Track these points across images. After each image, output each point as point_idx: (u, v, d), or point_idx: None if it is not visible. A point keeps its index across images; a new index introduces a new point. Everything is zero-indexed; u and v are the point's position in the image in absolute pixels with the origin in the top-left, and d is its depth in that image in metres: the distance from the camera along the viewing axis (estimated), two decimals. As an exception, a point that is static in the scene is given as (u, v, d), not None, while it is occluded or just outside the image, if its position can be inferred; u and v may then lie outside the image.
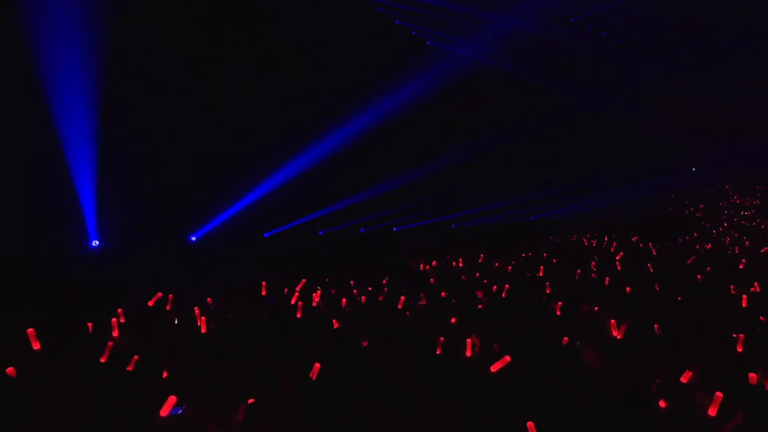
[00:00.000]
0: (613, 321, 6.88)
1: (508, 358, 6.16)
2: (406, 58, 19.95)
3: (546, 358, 6.62)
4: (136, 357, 5.92)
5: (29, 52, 13.78)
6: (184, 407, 4.95)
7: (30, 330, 5.65)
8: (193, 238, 18.25)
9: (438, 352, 6.74)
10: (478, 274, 12.40)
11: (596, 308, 8.03)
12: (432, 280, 12.40)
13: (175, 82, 17.02)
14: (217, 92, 18.14)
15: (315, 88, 19.60)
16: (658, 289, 9.68)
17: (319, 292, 10.08)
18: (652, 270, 11.47)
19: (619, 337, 6.81)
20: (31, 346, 5.65)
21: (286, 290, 10.26)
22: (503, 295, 9.44)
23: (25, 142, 15.14)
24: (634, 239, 16.93)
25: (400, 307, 8.72)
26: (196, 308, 8.15)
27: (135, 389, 5.52)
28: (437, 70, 20.28)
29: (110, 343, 5.85)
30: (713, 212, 21.38)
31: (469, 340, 6.76)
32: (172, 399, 4.84)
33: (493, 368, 6.19)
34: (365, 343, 7.42)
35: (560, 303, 8.69)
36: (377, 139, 20.27)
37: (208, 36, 17.14)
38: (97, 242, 16.16)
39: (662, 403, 4.80)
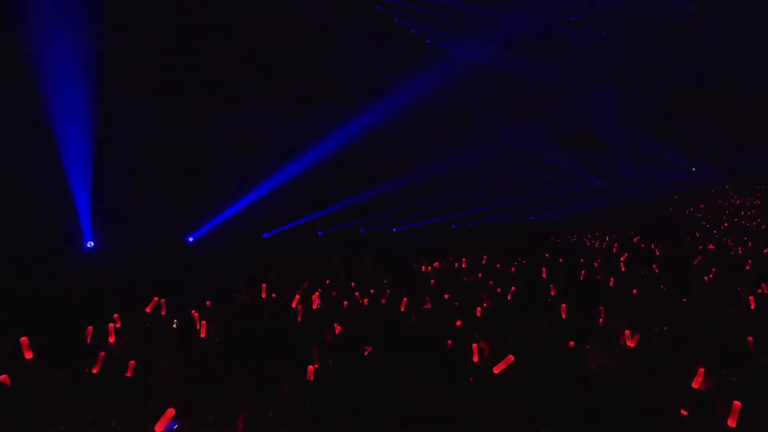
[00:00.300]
0: (627, 331, 6.72)
1: (511, 358, 5.99)
2: (406, 58, 19.79)
3: (555, 362, 6.47)
4: (132, 362, 5.75)
5: (27, 55, 13.60)
6: (179, 421, 4.75)
7: (23, 339, 5.46)
8: (191, 239, 18.09)
9: (447, 357, 6.57)
10: (480, 275, 12.25)
11: (601, 320, 7.86)
12: (432, 281, 12.25)
13: (173, 83, 16.84)
14: (215, 93, 17.97)
15: (314, 89, 19.45)
16: (664, 290, 9.54)
17: (317, 294, 9.89)
18: (657, 271, 11.34)
19: (632, 345, 6.65)
20: (23, 355, 5.46)
21: (285, 296, 10.09)
22: (509, 297, 9.27)
23: (22, 143, 14.95)
24: (635, 240, 16.80)
25: (402, 309, 8.55)
26: (194, 312, 7.96)
27: (131, 399, 5.34)
28: (437, 70, 20.14)
29: (102, 354, 5.65)
30: (713, 212, 21.27)
31: (475, 345, 6.59)
32: (171, 412, 4.63)
33: (496, 369, 6.04)
34: (369, 349, 7.25)
35: (564, 305, 8.54)
36: (377, 140, 20.15)
37: (206, 37, 16.97)
38: (92, 243, 15.96)
39: (683, 412, 4.64)
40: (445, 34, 19.94)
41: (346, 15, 18.21)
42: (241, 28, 17.30)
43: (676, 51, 23.17)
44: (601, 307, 8.87)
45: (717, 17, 20.55)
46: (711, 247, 14.59)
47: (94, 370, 5.56)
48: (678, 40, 22.13)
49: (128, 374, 5.69)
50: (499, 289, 10.39)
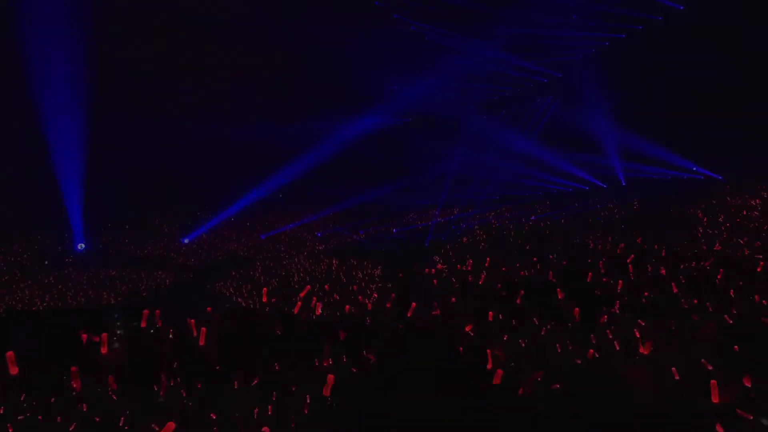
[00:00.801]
0: (644, 339, 6.51)
1: (500, 372, 5.81)
2: (406, 57, 19.52)
3: (575, 372, 6.23)
4: (111, 377, 5.60)
5: (23, 62, 13.35)
6: None
7: (9, 354, 5.19)
8: (186, 240, 17.73)
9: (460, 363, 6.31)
10: (484, 276, 11.99)
11: (602, 320, 7.65)
12: (435, 281, 12.02)
13: (168, 86, 16.56)
14: (212, 95, 17.67)
15: (313, 92, 19.19)
16: (676, 291, 9.31)
17: (320, 304, 9.61)
18: (665, 273, 11.10)
19: (645, 353, 6.40)
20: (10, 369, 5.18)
21: (287, 300, 9.84)
22: (518, 302, 9.00)
23: (17, 145, 14.63)
24: (638, 240, 16.55)
25: (409, 315, 8.27)
26: (191, 320, 7.65)
27: (129, 413, 5.08)
28: (437, 69, 19.89)
29: (74, 368, 5.45)
30: (715, 212, 21.08)
31: (489, 351, 6.32)
32: (171, 426, 4.40)
33: (496, 380, 5.81)
34: (372, 359, 6.98)
35: (577, 309, 8.29)
36: (377, 142, 19.93)
37: (202, 38, 16.67)
38: (83, 245, 15.62)
39: (720, 429, 4.38)
40: (446, 31, 19.58)
41: (345, 17, 17.90)
42: (238, 32, 17.02)
43: (674, 50, 23.08)
44: (612, 310, 8.66)
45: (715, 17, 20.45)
46: (717, 248, 14.37)
47: (77, 388, 5.33)
48: (675, 38, 22.03)
49: (114, 387, 5.52)
50: (504, 293, 10.13)
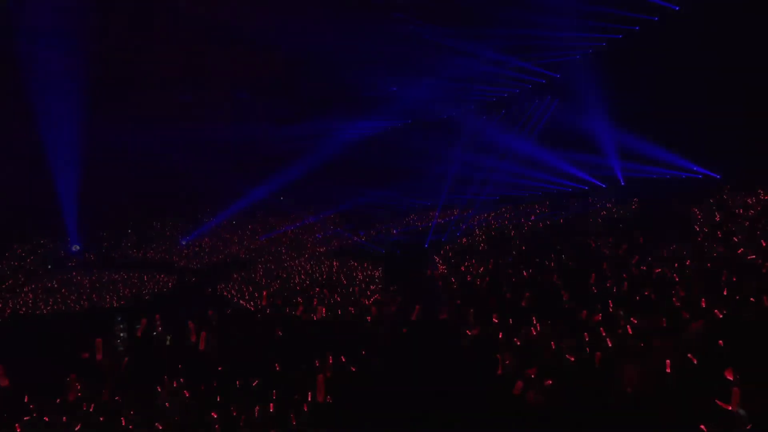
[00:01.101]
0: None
1: (520, 384, 5.75)
2: (407, 58, 19.46)
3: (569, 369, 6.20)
4: (106, 386, 5.60)
5: (20, 65, 13.28)
6: None
7: None
8: (184, 242, 17.62)
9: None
10: (488, 278, 11.94)
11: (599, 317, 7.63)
12: (440, 283, 11.97)
13: (164, 88, 16.47)
14: (210, 97, 17.59)
15: (312, 94, 19.11)
16: (683, 295, 9.25)
17: (321, 308, 9.54)
18: (670, 275, 11.05)
19: (652, 360, 6.35)
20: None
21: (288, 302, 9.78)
22: (523, 304, 8.95)
23: (15, 145, 14.52)
24: (641, 240, 16.51)
25: (413, 318, 8.21)
26: (191, 324, 7.59)
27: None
28: (438, 69, 19.81)
29: (72, 376, 5.45)
30: (712, 211, 21.04)
31: (499, 356, 6.26)
32: None
33: (528, 398, 5.74)
34: (373, 360, 6.93)
35: (585, 312, 8.25)
36: (377, 143, 19.84)
37: (202, 39, 16.57)
38: (78, 246, 15.53)
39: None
40: (445, 30, 19.45)
41: (344, 17, 17.79)
42: (238, 32, 16.92)
43: (672, 49, 23.03)
44: (608, 308, 8.62)
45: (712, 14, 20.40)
46: (721, 249, 14.32)
47: (71, 397, 5.30)
48: (672, 38, 21.98)
49: (105, 398, 5.51)
50: (509, 295, 10.07)
